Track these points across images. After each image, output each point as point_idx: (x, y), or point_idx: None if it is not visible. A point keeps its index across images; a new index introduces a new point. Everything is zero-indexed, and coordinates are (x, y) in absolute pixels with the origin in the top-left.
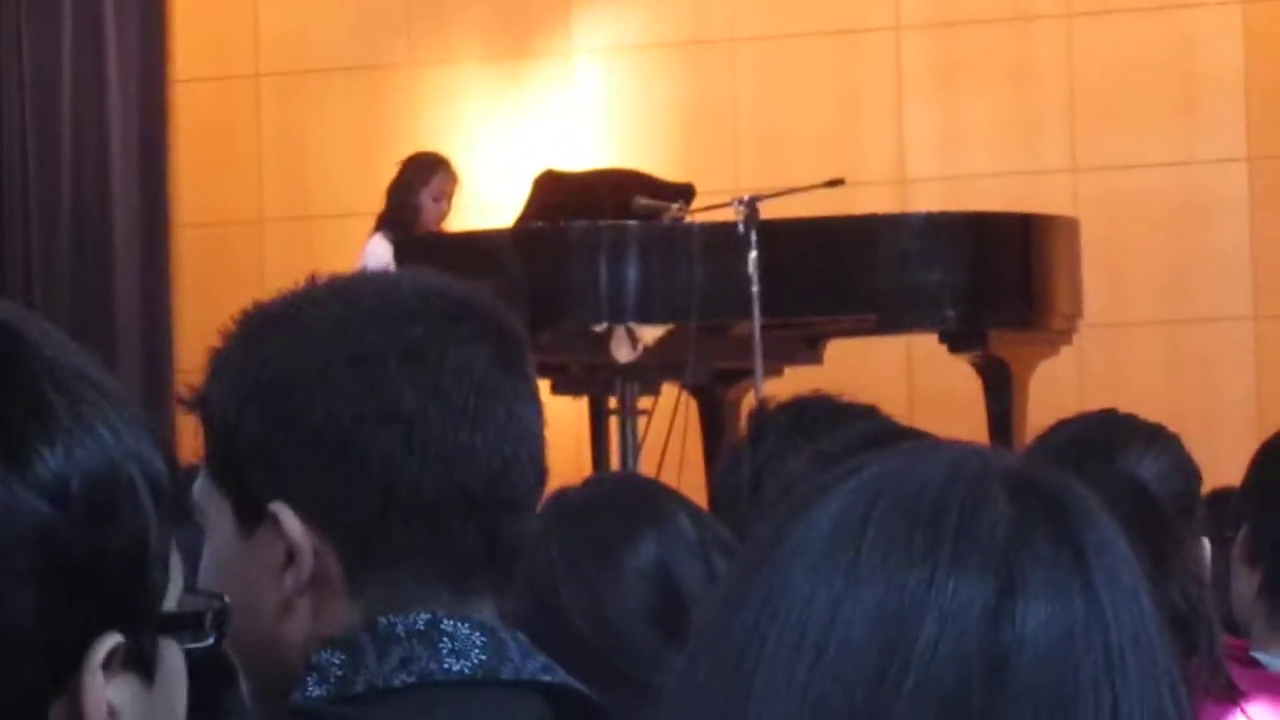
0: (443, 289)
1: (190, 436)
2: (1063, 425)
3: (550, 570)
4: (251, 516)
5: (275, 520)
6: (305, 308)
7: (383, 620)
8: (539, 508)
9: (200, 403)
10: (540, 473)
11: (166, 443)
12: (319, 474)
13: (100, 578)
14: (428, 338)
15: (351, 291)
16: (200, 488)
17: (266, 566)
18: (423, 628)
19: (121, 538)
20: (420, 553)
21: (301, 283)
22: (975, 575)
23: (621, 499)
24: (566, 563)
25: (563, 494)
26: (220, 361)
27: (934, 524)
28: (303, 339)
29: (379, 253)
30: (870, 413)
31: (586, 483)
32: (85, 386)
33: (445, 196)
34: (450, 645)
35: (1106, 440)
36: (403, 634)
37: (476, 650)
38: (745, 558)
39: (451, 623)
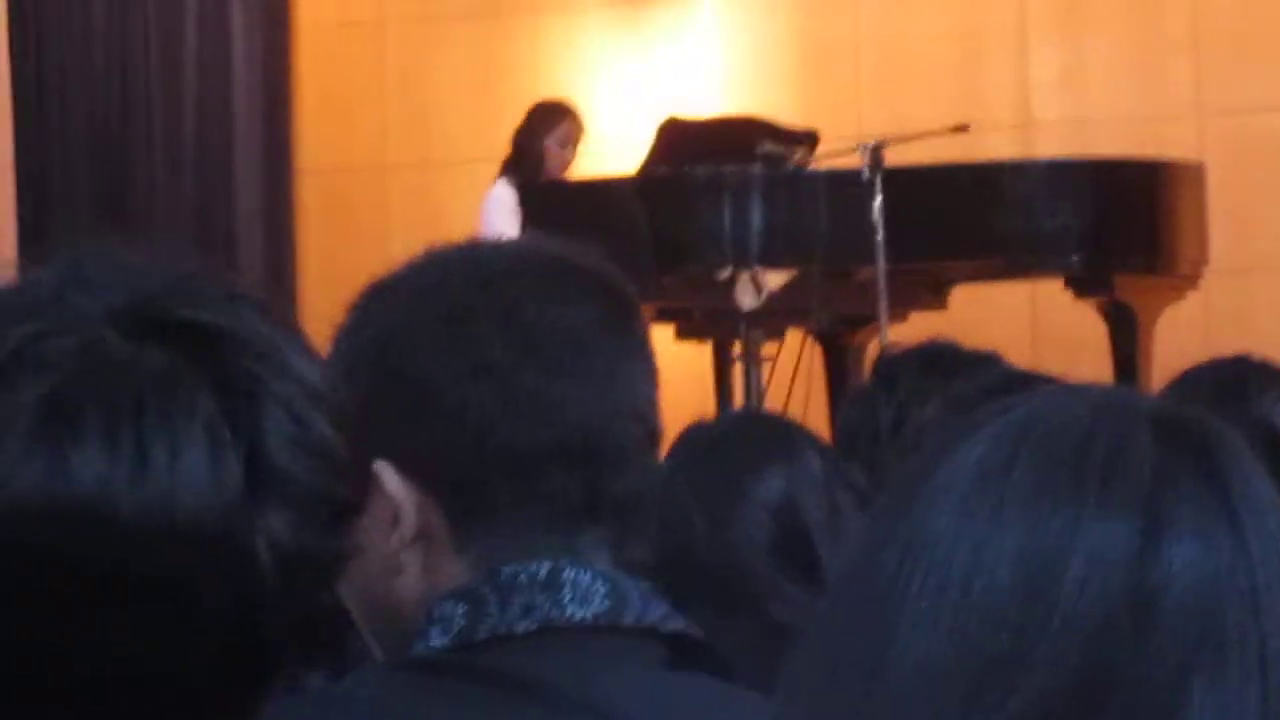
0: (545, 251)
1: None
2: (1195, 370)
3: (678, 500)
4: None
5: (378, 479)
6: (408, 274)
7: (505, 570)
8: (672, 443)
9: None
10: (649, 430)
11: None
12: (415, 431)
13: None
14: (523, 295)
15: (454, 257)
16: None
17: (376, 526)
18: (545, 576)
19: None
20: (521, 506)
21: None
22: (1121, 515)
23: (752, 433)
24: (694, 493)
25: (695, 428)
26: (337, 334)
27: (1078, 465)
28: (401, 303)
29: (504, 197)
30: (994, 359)
31: (719, 417)
32: None
33: (571, 143)
34: (573, 593)
35: (1240, 385)
36: (525, 582)
37: (599, 597)
38: (889, 499)
39: (574, 571)
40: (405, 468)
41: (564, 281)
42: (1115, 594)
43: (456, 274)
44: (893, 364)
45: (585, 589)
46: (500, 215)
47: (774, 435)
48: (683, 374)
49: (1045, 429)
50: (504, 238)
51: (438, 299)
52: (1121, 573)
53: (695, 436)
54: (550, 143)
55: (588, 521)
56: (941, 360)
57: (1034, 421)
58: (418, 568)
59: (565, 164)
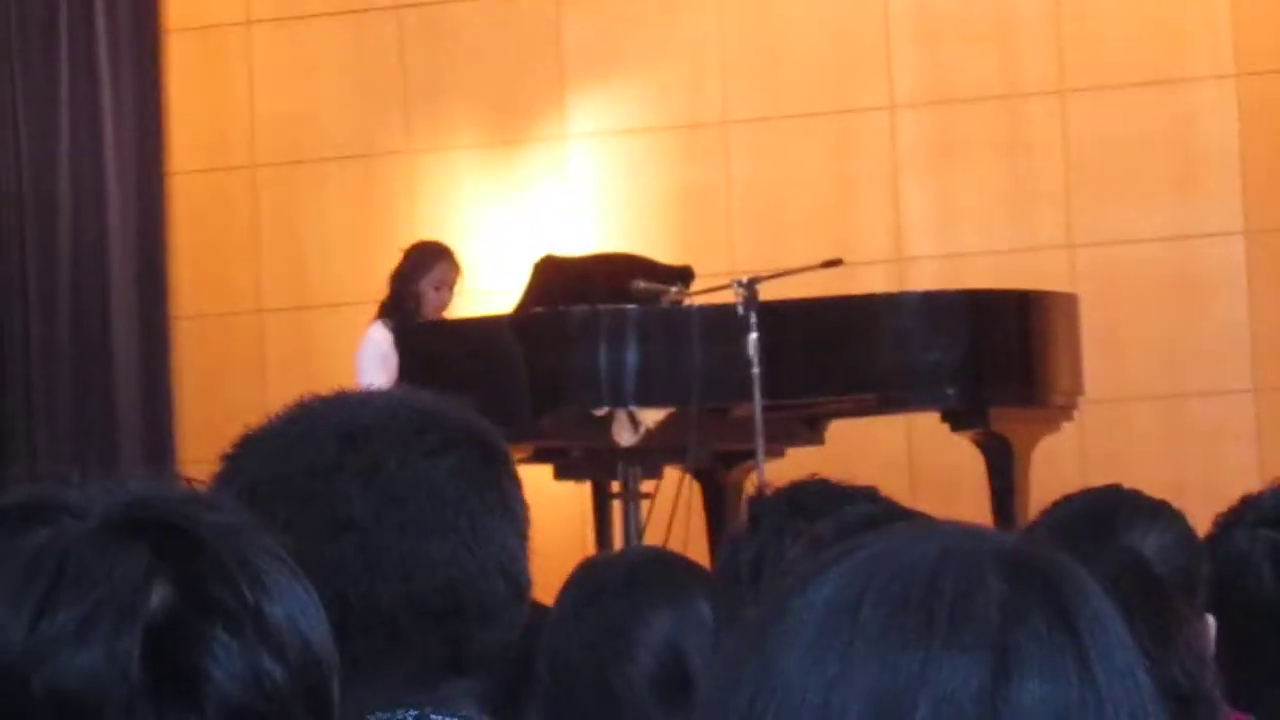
0: (412, 404)
1: None
2: (1065, 501)
3: (564, 643)
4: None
5: None
6: (277, 427)
7: (371, 718)
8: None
9: None
10: (515, 584)
11: None
12: None
13: None
14: (386, 451)
15: (320, 410)
16: None
17: None
18: None
19: None
20: (385, 660)
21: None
22: (970, 655)
23: (645, 574)
24: (579, 636)
25: (590, 564)
26: (210, 486)
27: (927, 604)
28: (268, 456)
29: (378, 340)
30: (869, 494)
31: (618, 554)
32: None
33: (447, 285)
34: None
35: (1109, 516)
36: None
37: None
38: (739, 640)
39: (439, 717)
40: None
41: (429, 436)
42: None
43: (322, 428)
44: (758, 505)
45: None
46: (374, 358)
47: (666, 577)
48: (562, 514)
49: (893, 568)
50: (375, 386)
51: (302, 453)
52: (971, 713)
53: (588, 576)
54: (425, 287)
55: (449, 677)
56: (808, 499)
57: (882, 560)
58: None
59: (442, 305)
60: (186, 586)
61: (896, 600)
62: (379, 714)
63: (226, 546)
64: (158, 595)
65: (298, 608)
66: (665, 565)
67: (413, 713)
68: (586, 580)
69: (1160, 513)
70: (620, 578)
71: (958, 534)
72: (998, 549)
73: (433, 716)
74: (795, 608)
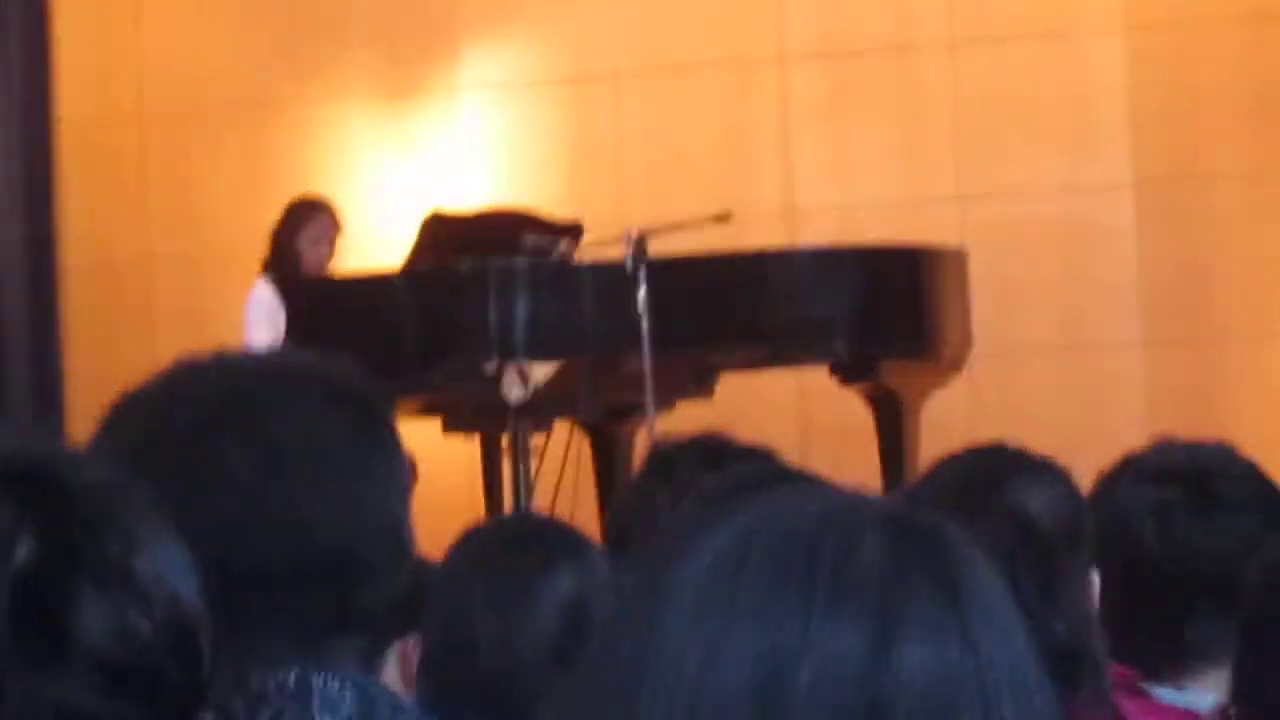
0: (294, 363)
1: None
2: (950, 459)
3: (462, 603)
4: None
5: None
6: (158, 386)
7: (253, 678)
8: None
9: None
10: (398, 541)
11: None
12: None
13: None
14: (268, 411)
15: (202, 370)
16: None
17: None
18: (293, 685)
19: None
20: (267, 620)
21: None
22: (851, 620)
23: (540, 533)
24: (480, 592)
25: (477, 530)
26: (91, 444)
27: (808, 569)
28: (150, 416)
29: (264, 297)
30: (765, 455)
31: (502, 518)
32: None
33: (326, 240)
34: (321, 700)
35: (994, 474)
36: (273, 690)
37: (345, 705)
38: (629, 596)
39: (322, 679)
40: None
41: (311, 395)
42: (847, 699)
43: (203, 388)
44: (669, 455)
45: (333, 697)
46: (260, 315)
47: (561, 536)
48: (451, 466)
49: (774, 531)
50: (261, 343)
51: (183, 413)
52: (853, 676)
53: (478, 537)
54: (304, 241)
55: (337, 634)
56: (718, 452)
57: (762, 524)
58: None
59: (322, 260)
60: (53, 539)
61: (778, 564)
62: (260, 674)
63: (95, 500)
64: (24, 548)
65: (167, 563)
66: (555, 525)
67: (295, 672)
68: (478, 540)
69: (1044, 469)
70: (514, 537)
71: (840, 498)
72: (879, 513)
73: (314, 677)
74: (675, 572)
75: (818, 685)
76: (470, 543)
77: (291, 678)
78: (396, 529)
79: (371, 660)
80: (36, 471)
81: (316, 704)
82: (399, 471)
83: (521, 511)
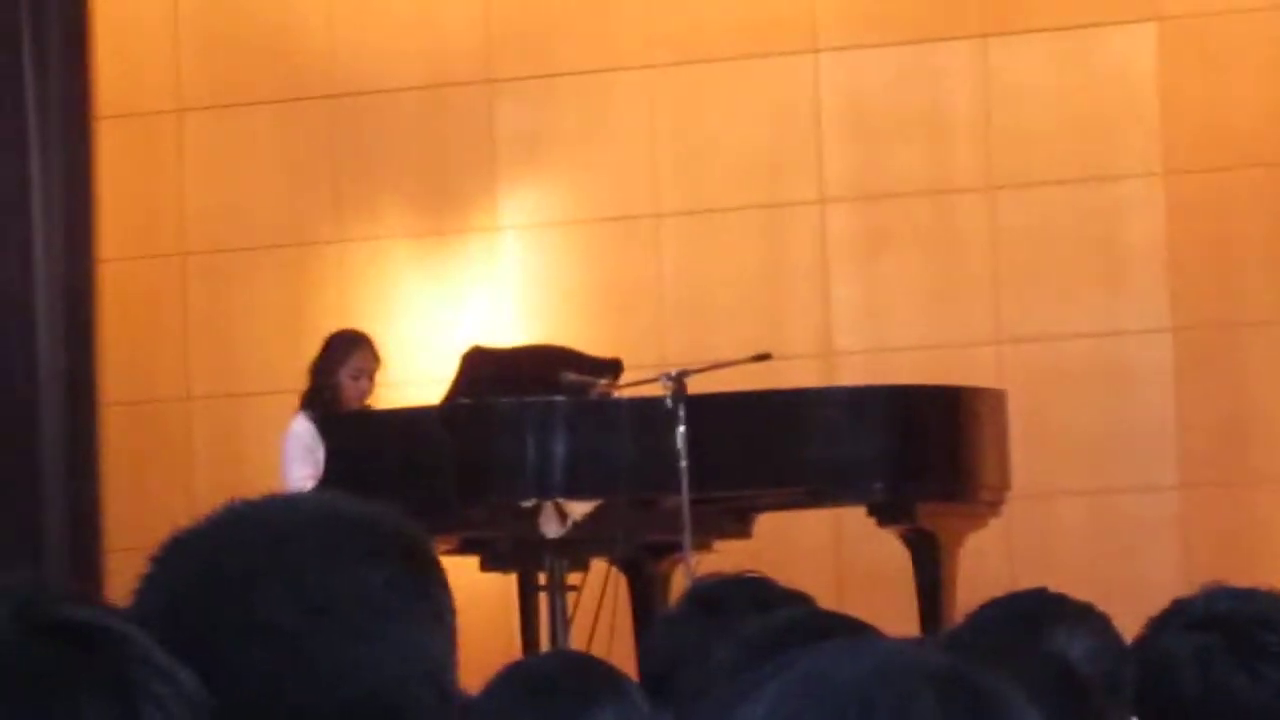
0: (340, 508)
1: None
2: (992, 604)
3: None
4: None
5: None
6: (204, 530)
7: None
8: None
9: None
10: (441, 691)
11: None
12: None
13: None
14: (314, 558)
15: (248, 513)
16: None
17: None
18: None
19: None
20: None
21: (221, 503)
22: None
23: (580, 672)
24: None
25: (517, 666)
26: (137, 587)
27: None
28: (195, 560)
29: (301, 432)
30: (804, 599)
31: (541, 656)
32: None
33: (365, 374)
34: None
35: (1035, 620)
36: None
37: None
38: None
39: None
40: None
41: (359, 543)
42: None
43: (249, 533)
44: (714, 591)
45: None
46: (298, 450)
47: (602, 673)
48: (487, 604)
49: (828, 687)
50: (301, 481)
51: (229, 559)
52: None
53: (518, 675)
54: (344, 375)
55: None
56: (762, 592)
57: (817, 679)
58: None
59: (361, 395)
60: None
61: (832, 718)
62: None
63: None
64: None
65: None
66: (595, 664)
67: None
68: (519, 677)
69: (1086, 616)
70: (554, 674)
71: (894, 653)
72: (931, 669)
73: None
74: None
75: None
76: (511, 680)
77: None
78: (441, 675)
79: None
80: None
81: None
82: (446, 621)
83: (560, 649)
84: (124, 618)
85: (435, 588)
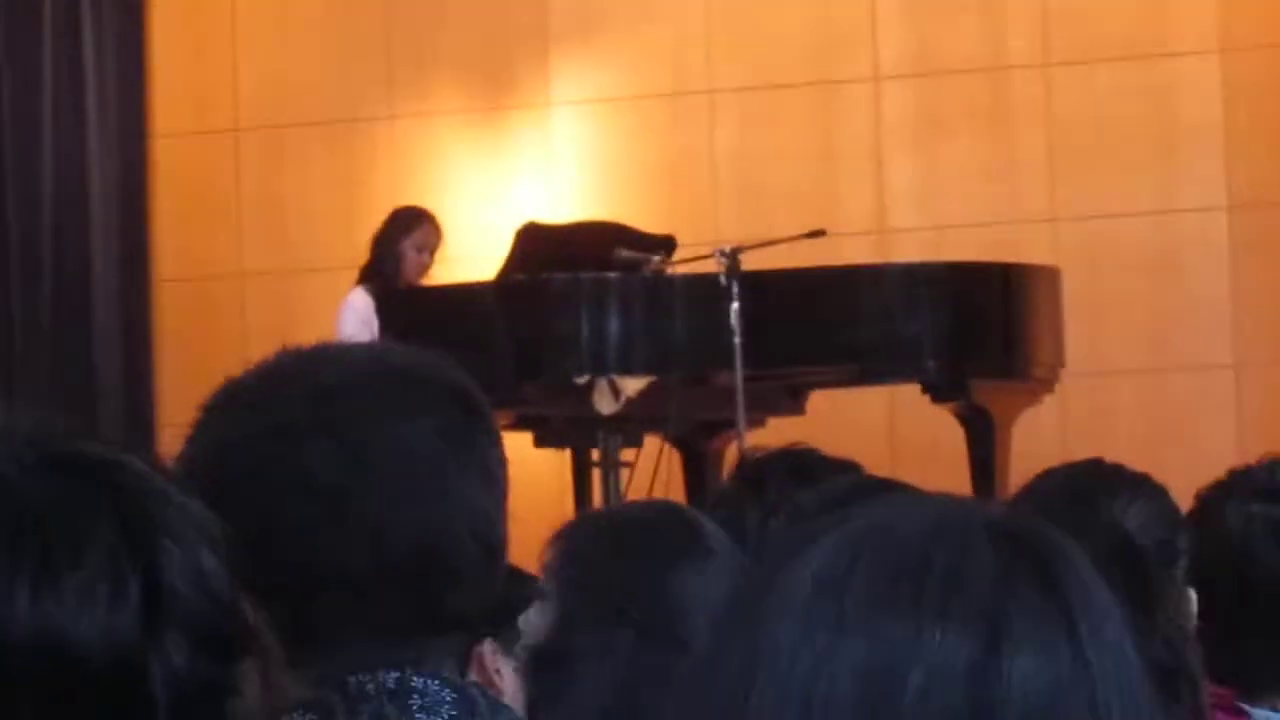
0: (390, 361)
1: None
2: (1047, 475)
3: (606, 567)
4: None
5: None
6: (252, 380)
7: (352, 679)
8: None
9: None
10: (487, 545)
11: None
12: (244, 543)
13: None
14: (357, 412)
15: (296, 365)
16: None
17: None
18: (393, 685)
19: None
20: (355, 623)
21: (273, 352)
22: (961, 628)
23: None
24: (624, 561)
25: (597, 516)
26: (188, 434)
27: (918, 576)
28: (241, 410)
29: (359, 305)
30: (854, 467)
31: (627, 506)
32: None
33: (428, 249)
34: (420, 701)
35: (1091, 490)
36: (373, 692)
37: (446, 706)
38: (730, 610)
39: (422, 680)
40: (237, 578)
41: (405, 396)
42: (957, 707)
43: (294, 385)
44: (758, 467)
45: (433, 697)
46: (354, 323)
47: (687, 524)
48: (541, 480)
49: (884, 540)
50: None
51: (273, 411)
52: (962, 685)
53: (605, 522)
54: (407, 248)
55: (430, 636)
56: (807, 465)
57: (872, 533)
58: (256, 682)
59: (422, 270)
60: (124, 511)
61: (888, 572)
62: (360, 676)
63: (146, 477)
64: (106, 525)
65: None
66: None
67: (394, 674)
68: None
69: (1142, 486)
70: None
71: (949, 506)
72: (989, 521)
73: (414, 678)
74: (786, 578)
75: (927, 692)
76: (597, 523)
77: (391, 678)
78: (488, 531)
79: (462, 663)
80: (93, 458)
81: (416, 704)
82: (494, 474)
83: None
84: (124, 449)
85: (483, 442)
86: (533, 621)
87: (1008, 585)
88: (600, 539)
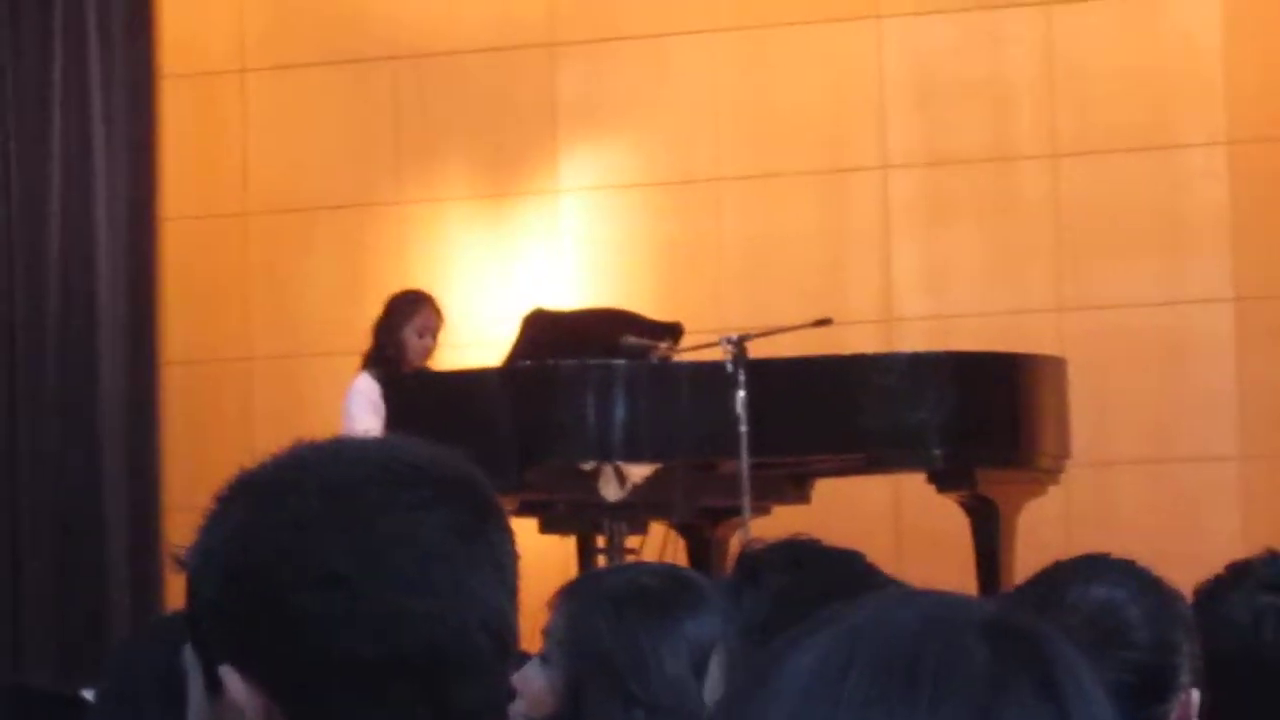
0: (403, 455)
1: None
2: (1053, 568)
3: (612, 641)
4: (213, 680)
5: (223, 684)
6: (266, 472)
7: None
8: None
9: (182, 565)
10: (500, 640)
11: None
12: (260, 636)
13: None
14: (373, 504)
15: (311, 458)
16: (186, 652)
17: None
18: None
19: None
20: (366, 716)
21: (287, 446)
22: None
23: (676, 582)
24: (624, 633)
25: (597, 575)
26: (202, 525)
27: (912, 674)
28: (256, 503)
29: (363, 389)
30: (856, 556)
31: (622, 567)
32: None
33: (430, 332)
34: None
35: (1085, 577)
36: None
37: None
38: (729, 696)
39: None
40: (249, 672)
41: (419, 490)
42: None
43: (310, 477)
44: (754, 559)
45: None
46: (361, 408)
47: (687, 584)
48: (546, 566)
49: (877, 637)
50: (367, 434)
51: (289, 503)
52: None
53: (607, 586)
54: (409, 335)
55: None
56: (806, 554)
57: (866, 628)
58: None
59: (425, 353)
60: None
61: (881, 668)
62: None
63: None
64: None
65: None
66: (686, 575)
67: None
68: (609, 591)
69: (1129, 570)
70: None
71: (941, 602)
72: (982, 617)
73: None
74: (781, 673)
75: None
76: (596, 590)
77: None
78: (498, 627)
79: None
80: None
81: None
82: (506, 568)
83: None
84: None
85: (496, 534)
86: (530, 678)
87: (1001, 682)
88: (602, 606)
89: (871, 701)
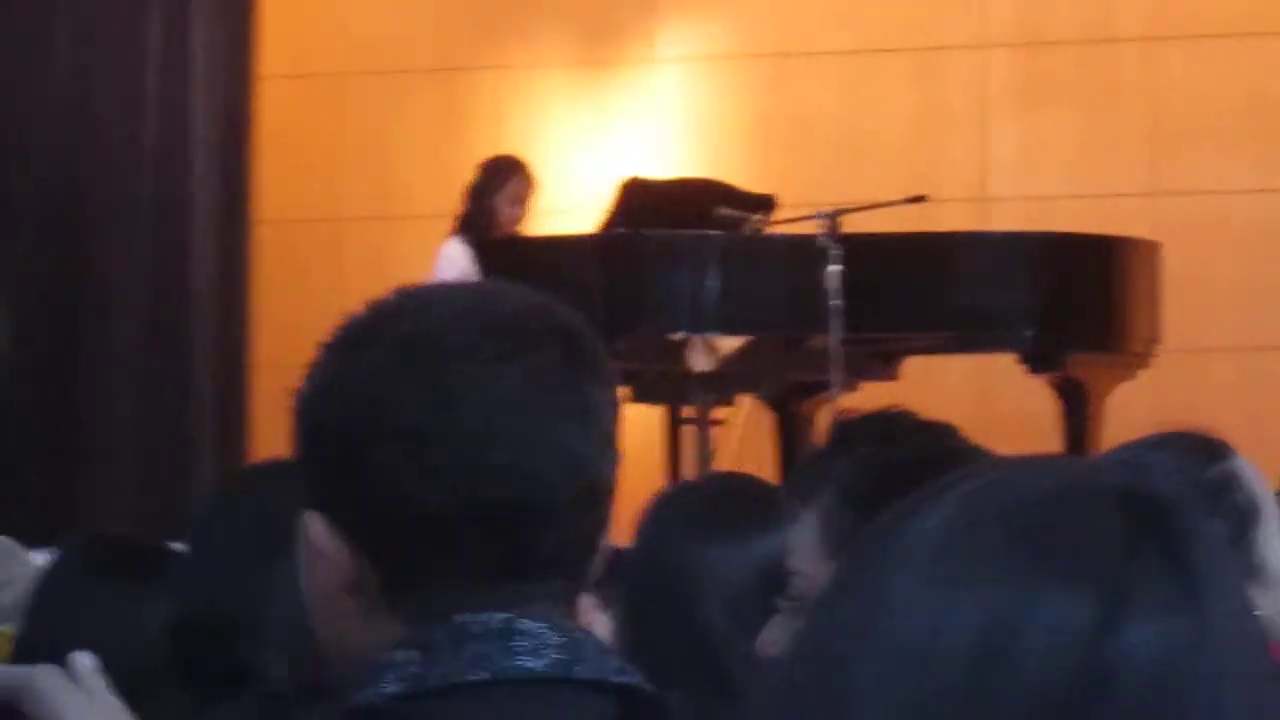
0: (489, 305)
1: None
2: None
3: (674, 555)
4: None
5: (306, 528)
6: (358, 322)
7: (458, 619)
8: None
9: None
10: (584, 489)
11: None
12: (339, 486)
13: None
14: (448, 353)
15: (400, 306)
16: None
17: (310, 574)
18: (498, 625)
19: None
20: (446, 566)
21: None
22: (1080, 590)
23: (752, 493)
24: (694, 547)
25: (681, 489)
26: (304, 376)
27: (1041, 537)
28: (338, 354)
29: (454, 255)
30: (950, 430)
31: (707, 478)
32: None
33: (521, 200)
34: (526, 643)
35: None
36: (478, 632)
37: (551, 649)
38: (848, 561)
39: (528, 622)
40: (335, 521)
41: (501, 338)
42: (1072, 671)
43: (390, 328)
44: (850, 427)
45: (539, 639)
46: (451, 273)
47: (767, 497)
48: (632, 435)
49: (1007, 498)
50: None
51: (366, 355)
52: (1079, 649)
53: (685, 496)
54: (501, 199)
55: (520, 579)
56: (899, 427)
57: (997, 489)
58: (358, 618)
59: (516, 220)
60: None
61: (1009, 531)
62: (466, 615)
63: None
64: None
65: None
66: (763, 486)
67: (500, 615)
68: (686, 500)
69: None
70: (725, 496)
71: (1075, 467)
72: (1115, 483)
73: (521, 620)
74: (906, 532)
75: (1044, 653)
76: (674, 501)
77: (497, 619)
78: (586, 474)
79: (559, 605)
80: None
81: (521, 646)
82: (595, 415)
83: (719, 473)
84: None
85: (588, 384)
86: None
87: (1131, 550)
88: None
89: (998, 563)
